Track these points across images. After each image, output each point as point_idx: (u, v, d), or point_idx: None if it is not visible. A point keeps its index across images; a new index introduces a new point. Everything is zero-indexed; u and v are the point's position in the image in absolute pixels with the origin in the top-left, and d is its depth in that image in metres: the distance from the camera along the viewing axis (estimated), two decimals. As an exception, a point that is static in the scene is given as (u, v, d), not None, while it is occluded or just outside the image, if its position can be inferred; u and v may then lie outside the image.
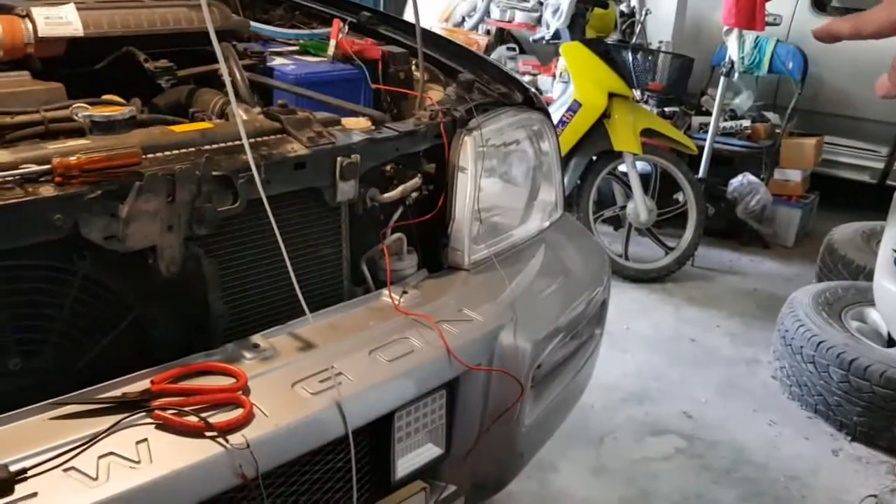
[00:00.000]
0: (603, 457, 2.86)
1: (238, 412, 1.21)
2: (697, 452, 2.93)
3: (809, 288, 3.50)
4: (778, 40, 5.29)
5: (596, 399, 3.12)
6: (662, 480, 2.76)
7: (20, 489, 1.03)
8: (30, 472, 1.05)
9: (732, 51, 4.70)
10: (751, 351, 3.72)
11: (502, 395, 1.62)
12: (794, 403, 3.27)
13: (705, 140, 4.82)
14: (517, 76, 2.18)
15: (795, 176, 5.12)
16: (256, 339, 1.41)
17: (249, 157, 1.30)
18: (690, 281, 4.47)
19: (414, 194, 1.74)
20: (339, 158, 1.52)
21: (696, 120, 5.22)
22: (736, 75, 4.93)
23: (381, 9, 3.27)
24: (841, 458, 2.96)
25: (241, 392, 1.26)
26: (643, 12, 5.00)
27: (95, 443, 1.12)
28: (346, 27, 2.10)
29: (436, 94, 1.96)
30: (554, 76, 5.16)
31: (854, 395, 2.98)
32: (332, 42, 2.01)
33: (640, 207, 4.31)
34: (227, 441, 1.16)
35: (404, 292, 1.65)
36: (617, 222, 4.72)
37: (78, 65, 1.69)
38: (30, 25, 1.61)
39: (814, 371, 3.11)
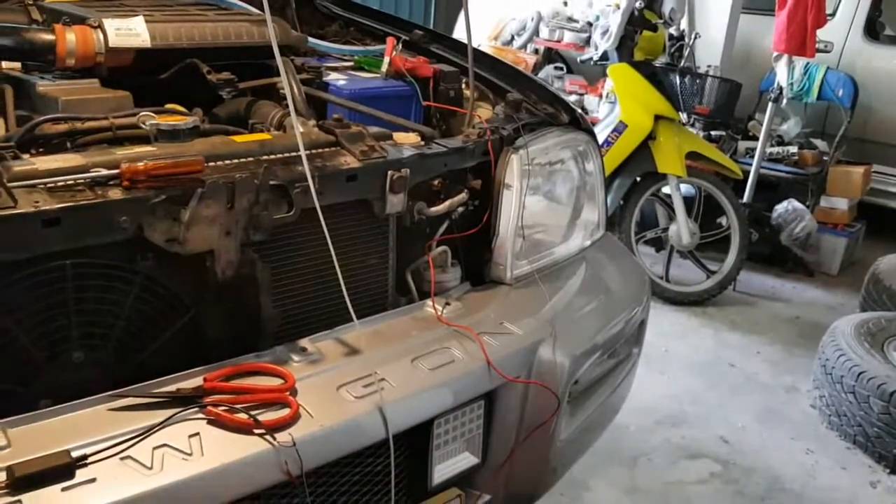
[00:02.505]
0: (637, 478, 2.87)
1: (285, 412, 1.26)
2: (733, 478, 2.92)
3: (852, 317, 3.48)
4: (828, 67, 5.26)
5: (632, 420, 3.12)
6: (696, 504, 2.76)
7: (80, 474, 1.09)
8: (89, 459, 1.11)
9: (781, 77, 4.69)
10: (791, 378, 3.69)
11: (539, 408, 1.65)
12: (832, 433, 3.24)
13: (751, 165, 4.81)
14: (564, 97, 2.21)
15: (842, 204, 5.07)
16: (304, 342, 1.46)
17: (306, 168, 1.35)
18: (732, 306, 4.45)
19: (460, 209, 1.79)
20: (389, 172, 1.57)
21: (743, 144, 5.21)
22: (784, 101, 4.91)
23: (432, 27, 3.34)
24: (878, 490, 2.93)
25: (288, 393, 1.31)
26: (692, 36, 5.01)
27: (151, 434, 1.17)
28: (400, 45, 2.16)
29: (484, 112, 2.01)
30: (601, 96, 5.19)
31: (894, 428, 2.95)
32: (386, 59, 2.07)
33: (682, 230, 4.31)
34: (274, 439, 1.21)
35: (447, 304, 1.70)
36: (659, 244, 4.72)
37: (143, 74, 1.76)
38: (101, 36, 1.67)
39: (854, 401, 3.09)
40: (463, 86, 2.07)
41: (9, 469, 1.05)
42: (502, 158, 1.83)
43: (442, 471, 1.57)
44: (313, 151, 1.52)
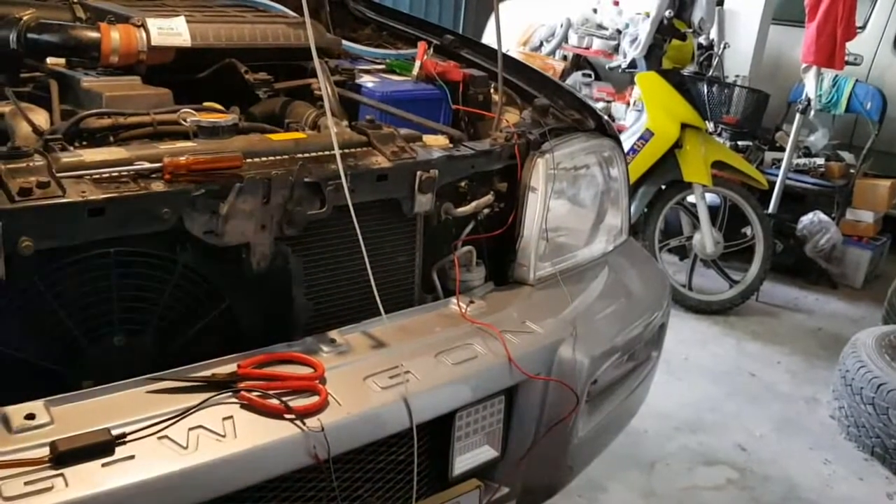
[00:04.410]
0: (653, 482, 2.89)
1: (314, 399, 1.31)
2: (749, 485, 2.94)
3: (873, 330, 3.48)
4: (857, 80, 5.25)
5: (650, 425, 3.15)
6: (711, 509, 2.78)
7: (120, 451, 1.14)
8: (128, 438, 1.16)
9: (810, 88, 4.69)
10: (811, 389, 3.69)
11: (558, 405, 1.68)
12: (850, 444, 3.25)
13: (777, 176, 4.81)
14: (591, 103, 2.24)
15: (868, 217, 5.06)
16: (333, 334, 1.51)
17: (340, 167, 1.40)
18: (754, 316, 4.45)
19: (486, 210, 1.83)
20: (418, 173, 1.62)
21: (770, 155, 5.21)
22: (812, 113, 4.91)
23: (461, 31, 3.38)
24: (895, 502, 2.94)
25: (318, 381, 1.36)
26: (721, 46, 5.02)
27: (186, 416, 1.22)
28: (431, 49, 2.21)
29: (512, 116, 2.05)
30: (628, 104, 5.21)
31: (912, 440, 2.97)
32: (418, 63, 2.12)
33: (706, 239, 4.33)
34: (304, 424, 1.26)
35: (471, 302, 1.74)
36: (682, 252, 4.73)
37: (182, 72, 1.82)
38: (144, 34, 1.73)
39: (873, 413, 3.10)
40: (491, 90, 2.12)
41: (52, 444, 1.11)
42: (528, 162, 1.87)
43: (462, 462, 1.61)
44: (346, 151, 1.56)
